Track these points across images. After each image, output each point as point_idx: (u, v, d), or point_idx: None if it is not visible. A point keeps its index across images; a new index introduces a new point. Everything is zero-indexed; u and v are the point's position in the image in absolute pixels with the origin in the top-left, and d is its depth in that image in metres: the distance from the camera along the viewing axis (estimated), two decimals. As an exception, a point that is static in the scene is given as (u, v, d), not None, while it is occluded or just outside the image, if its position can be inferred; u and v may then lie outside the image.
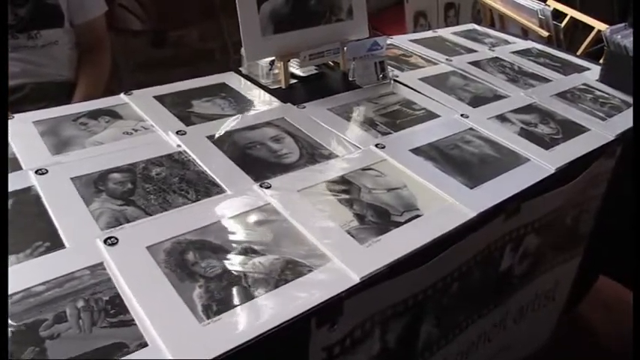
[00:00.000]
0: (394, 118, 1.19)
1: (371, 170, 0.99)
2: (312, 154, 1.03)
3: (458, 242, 0.88)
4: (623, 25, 1.54)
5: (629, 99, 1.44)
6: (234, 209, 0.86)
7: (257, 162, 0.99)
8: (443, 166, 1.02)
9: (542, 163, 1.08)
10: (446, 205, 0.92)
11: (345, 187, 0.94)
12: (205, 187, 0.91)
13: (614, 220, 1.43)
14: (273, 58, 1.27)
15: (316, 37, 1.31)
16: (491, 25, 2.36)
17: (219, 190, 0.91)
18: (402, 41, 1.68)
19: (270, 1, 1.23)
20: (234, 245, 0.79)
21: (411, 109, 1.25)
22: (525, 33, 2.13)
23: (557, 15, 2.33)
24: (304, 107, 1.20)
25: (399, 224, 0.86)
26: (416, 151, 1.06)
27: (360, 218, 0.86)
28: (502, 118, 1.25)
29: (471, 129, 1.18)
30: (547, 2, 2.29)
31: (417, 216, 0.89)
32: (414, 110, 1.24)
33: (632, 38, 1.47)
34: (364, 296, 0.76)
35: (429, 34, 1.81)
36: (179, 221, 0.82)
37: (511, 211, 0.98)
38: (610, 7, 3.56)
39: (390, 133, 1.13)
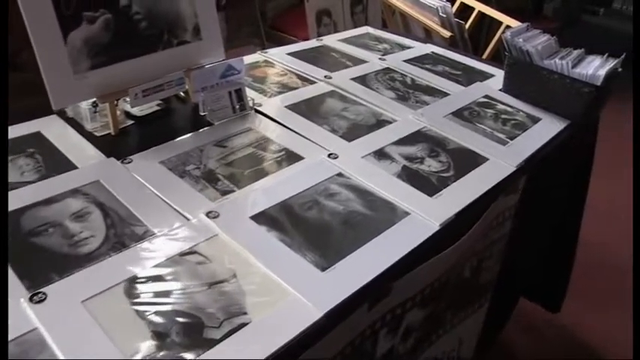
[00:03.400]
0: (242, 168, 0.95)
1: (193, 254, 0.75)
2: (122, 234, 0.78)
3: (300, 356, 0.66)
4: (525, 26, 1.34)
5: (534, 112, 1.25)
6: (-21, 344, 0.61)
7: (42, 256, 0.74)
8: (291, 239, 0.79)
9: (424, 217, 0.87)
10: (285, 303, 0.69)
11: (151, 286, 0.70)
12: (-45, 306, 0.66)
13: (525, 254, 1.24)
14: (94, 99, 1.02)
15: (152, 67, 1.05)
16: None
17: (-27, 310, 0.66)
18: (279, 55, 1.44)
19: (82, 28, 0.97)
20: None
21: (267, 151, 1.01)
22: (428, 34, 1.92)
23: (466, 9, 2.14)
24: (131, 161, 0.95)
25: (213, 343, 0.63)
26: (259, 217, 0.83)
27: (160, 338, 0.63)
28: (381, 154, 1.03)
29: (339, 174, 0.95)
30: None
31: (243, 325, 0.65)
32: (272, 152, 1.01)
33: (535, 42, 1.27)
34: None
35: (312, 43, 1.57)
36: None
37: (377, 296, 0.76)
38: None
39: (232, 192, 0.89)
